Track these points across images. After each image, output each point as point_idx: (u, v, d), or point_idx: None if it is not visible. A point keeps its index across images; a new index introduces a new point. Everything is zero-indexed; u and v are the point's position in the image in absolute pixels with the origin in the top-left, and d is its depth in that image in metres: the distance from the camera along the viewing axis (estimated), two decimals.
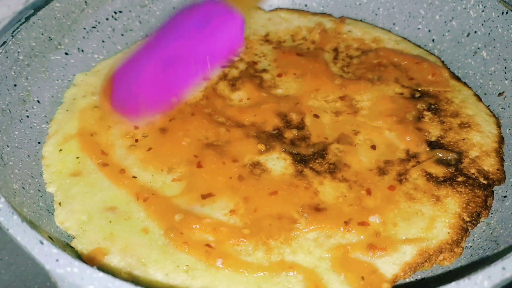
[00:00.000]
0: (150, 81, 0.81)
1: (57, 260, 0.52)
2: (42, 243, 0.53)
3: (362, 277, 0.68)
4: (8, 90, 0.85)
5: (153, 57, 0.82)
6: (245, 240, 0.72)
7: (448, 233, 0.74)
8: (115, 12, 1.10)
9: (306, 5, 1.22)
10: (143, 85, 0.82)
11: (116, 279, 0.49)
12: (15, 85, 0.87)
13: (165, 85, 0.82)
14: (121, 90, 0.84)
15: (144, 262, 0.69)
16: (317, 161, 0.84)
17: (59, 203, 0.77)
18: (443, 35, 1.08)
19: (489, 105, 0.96)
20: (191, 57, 0.82)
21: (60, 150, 0.85)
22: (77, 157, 0.84)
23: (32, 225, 0.57)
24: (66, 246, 0.71)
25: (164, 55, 0.81)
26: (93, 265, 0.64)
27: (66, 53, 1.00)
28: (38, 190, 0.79)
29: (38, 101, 0.91)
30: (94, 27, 1.06)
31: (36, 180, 0.80)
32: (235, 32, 0.86)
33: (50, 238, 0.64)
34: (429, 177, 0.82)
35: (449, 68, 1.04)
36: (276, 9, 1.20)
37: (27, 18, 0.92)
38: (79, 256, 0.70)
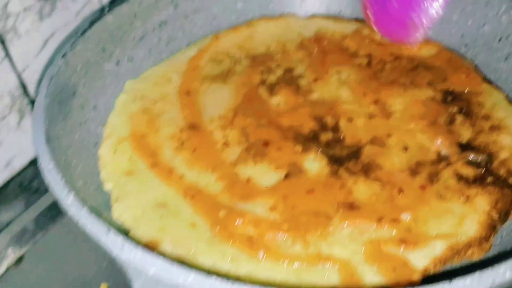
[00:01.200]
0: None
1: (122, 248, 0.59)
2: (108, 232, 0.61)
3: (394, 269, 0.73)
4: (68, 97, 0.93)
5: None
6: (284, 234, 0.78)
7: (477, 229, 0.78)
8: (161, 24, 1.18)
9: (340, 11, 1.27)
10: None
11: (174, 263, 0.56)
12: (74, 93, 0.96)
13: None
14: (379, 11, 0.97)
15: (193, 253, 0.76)
16: (351, 162, 0.89)
17: (116, 199, 0.85)
18: (476, 40, 1.11)
19: None
20: None
21: (115, 151, 0.93)
22: (130, 158, 0.92)
23: (99, 217, 0.64)
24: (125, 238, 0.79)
25: None
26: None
27: (117, 63, 1.09)
28: (97, 188, 0.87)
29: (94, 107, 1.00)
30: (142, 38, 1.15)
31: (95, 179, 0.88)
32: None
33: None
34: (460, 177, 0.85)
35: (481, 72, 1.07)
36: (311, 16, 1.25)
37: (83, 32, 1.01)
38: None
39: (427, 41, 1.14)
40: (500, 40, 1.06)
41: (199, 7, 1.22)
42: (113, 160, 0.92)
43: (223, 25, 1.25)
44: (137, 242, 0.75)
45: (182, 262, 0.71)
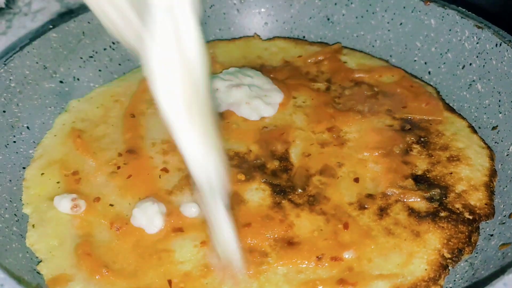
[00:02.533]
0: None
1: (1, 285, 0.52)
2: None
3: None
4: None
5: None
6: (212, 273, 0.70)
7: (426, 269, 0.71)
8: (113, 43, 1.12)
9: (304, 37, 1.23)
10: None
11: None
12: (4, 111, 0.89)
13: None
14: None
15: None
16: (296, 193, 0.82)
17: (33, 225, 0.78)
18: (439, 67, 1.06)
19: (483, 139, 0.93)
20: None
21: (42, 173, 0.86)
22: (58, 182, 0.85)
23: None
24: (31, 271, 0.71)
25: None
26: None
27: (61, 81, 1.03)
28: (15, 214, 0.80)
29: (28, 127, 0.93)
30: (91, 57, 1.09)
31: (14, 204, 0.81)
32: None
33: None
34: (411, 212, 0.79)
35: (444, 100, 1.02)
36: (273, 38, 1.21)
37: (22, 47, 0.95)
38: None
39: (389, 67, 1.09)
40: (463, 67, 1.01)
41: None
42: (39, 183, 0.85)
43: None
44: (44, 276, 0.69)
45: None
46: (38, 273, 0.72)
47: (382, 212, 0.79)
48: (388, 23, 1.12)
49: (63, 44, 1.04)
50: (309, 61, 1.12)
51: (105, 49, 1.11)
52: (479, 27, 0.98)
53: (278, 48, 1.18)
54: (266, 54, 1.16)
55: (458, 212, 0.79)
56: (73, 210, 0.79)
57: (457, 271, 0.74)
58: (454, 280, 0.73)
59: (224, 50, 1.17)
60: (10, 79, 0.92)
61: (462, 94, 1.01)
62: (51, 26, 1.02)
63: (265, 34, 1.22)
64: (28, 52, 0.96)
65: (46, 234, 0.77)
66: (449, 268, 0.73)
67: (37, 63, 0.98)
